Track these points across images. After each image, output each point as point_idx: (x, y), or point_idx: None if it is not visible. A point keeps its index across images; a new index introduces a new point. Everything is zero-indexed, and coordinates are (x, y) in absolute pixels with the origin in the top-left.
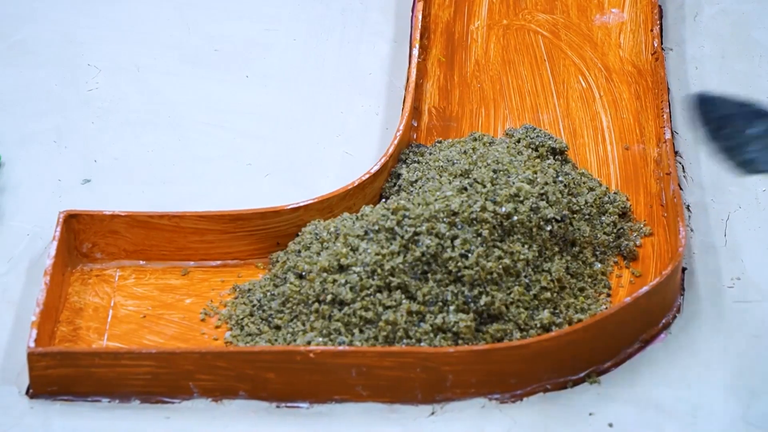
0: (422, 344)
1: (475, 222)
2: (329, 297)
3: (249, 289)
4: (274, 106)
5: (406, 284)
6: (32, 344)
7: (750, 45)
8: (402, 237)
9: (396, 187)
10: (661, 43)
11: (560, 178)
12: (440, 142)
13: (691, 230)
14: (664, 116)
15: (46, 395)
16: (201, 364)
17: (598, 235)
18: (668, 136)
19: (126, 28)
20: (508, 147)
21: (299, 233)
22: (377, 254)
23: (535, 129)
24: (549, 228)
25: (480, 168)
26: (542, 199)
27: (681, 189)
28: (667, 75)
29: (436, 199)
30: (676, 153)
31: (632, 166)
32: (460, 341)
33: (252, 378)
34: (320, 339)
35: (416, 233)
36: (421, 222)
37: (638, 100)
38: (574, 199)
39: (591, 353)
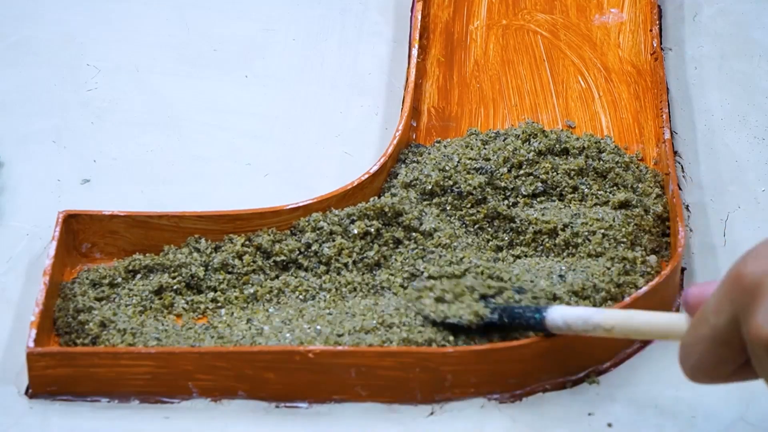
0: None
1: None
2: None
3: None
4: (273, 106)
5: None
6: (31, 344)
7: (749, 45)
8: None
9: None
10: (661, 43)
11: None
12: (439, 141)
13: (690, 230)
14: (664, 116)
15: (46, 395)
16: (200, 364)
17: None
18: (667, 136)
19: (125, 28)
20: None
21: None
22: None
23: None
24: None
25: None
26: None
27: (680, 189)
28: (666, 75)
29: None
30: (675, 153)
31: None
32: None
33: (251, 378)
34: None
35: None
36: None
37: (637, 100)
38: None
39: (590, 353)
